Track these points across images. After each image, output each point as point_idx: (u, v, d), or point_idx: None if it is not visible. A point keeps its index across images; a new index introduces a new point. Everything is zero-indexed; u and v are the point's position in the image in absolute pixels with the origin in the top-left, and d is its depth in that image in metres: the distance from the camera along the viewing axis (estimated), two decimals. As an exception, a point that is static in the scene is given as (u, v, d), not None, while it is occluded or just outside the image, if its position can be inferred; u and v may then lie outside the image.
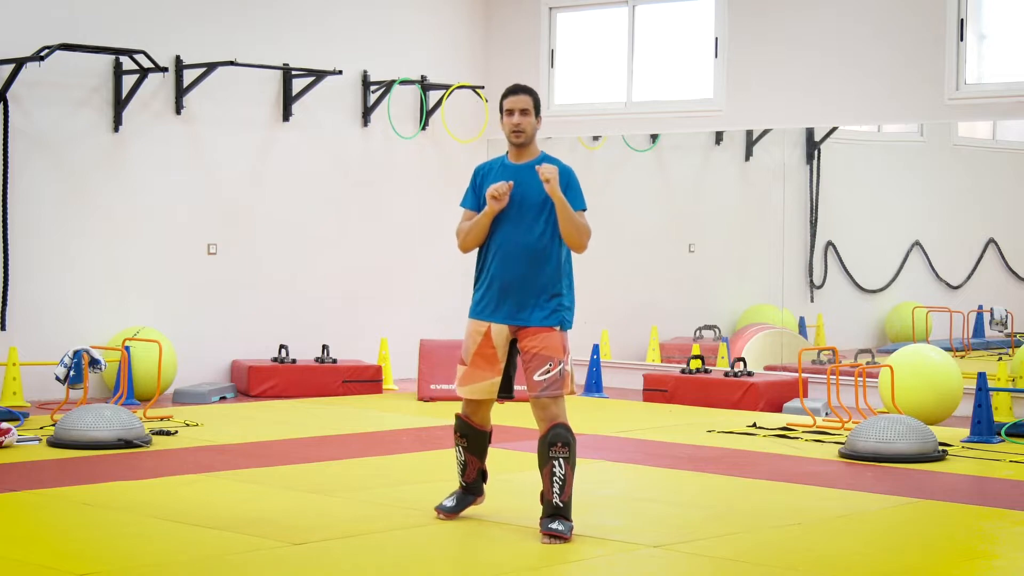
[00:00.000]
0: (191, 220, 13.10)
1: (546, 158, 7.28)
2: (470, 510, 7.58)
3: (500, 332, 7.22)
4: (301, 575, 6.43)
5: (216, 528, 7.21)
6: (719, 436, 10.68)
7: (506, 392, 7.32)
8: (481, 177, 7.35)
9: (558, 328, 7.17)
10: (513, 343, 7.24)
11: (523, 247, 7.17)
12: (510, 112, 7.22)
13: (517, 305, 7.17)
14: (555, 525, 7.01)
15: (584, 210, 7.24)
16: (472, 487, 7.55)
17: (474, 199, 7.34)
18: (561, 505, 7.04)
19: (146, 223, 12.82)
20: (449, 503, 7.54)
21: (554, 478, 7.04)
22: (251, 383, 12.90)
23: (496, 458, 8.74)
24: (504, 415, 9.36)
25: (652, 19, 14.35)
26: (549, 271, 7.19)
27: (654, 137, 14.94)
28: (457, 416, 7.51)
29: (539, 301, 7.17)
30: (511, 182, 7.16)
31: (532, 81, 14.79)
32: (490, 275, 7.23)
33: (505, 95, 7.27)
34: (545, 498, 7.10)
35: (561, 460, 7.04)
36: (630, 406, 12.69)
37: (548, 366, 7.09)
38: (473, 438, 7.46)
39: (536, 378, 7.09)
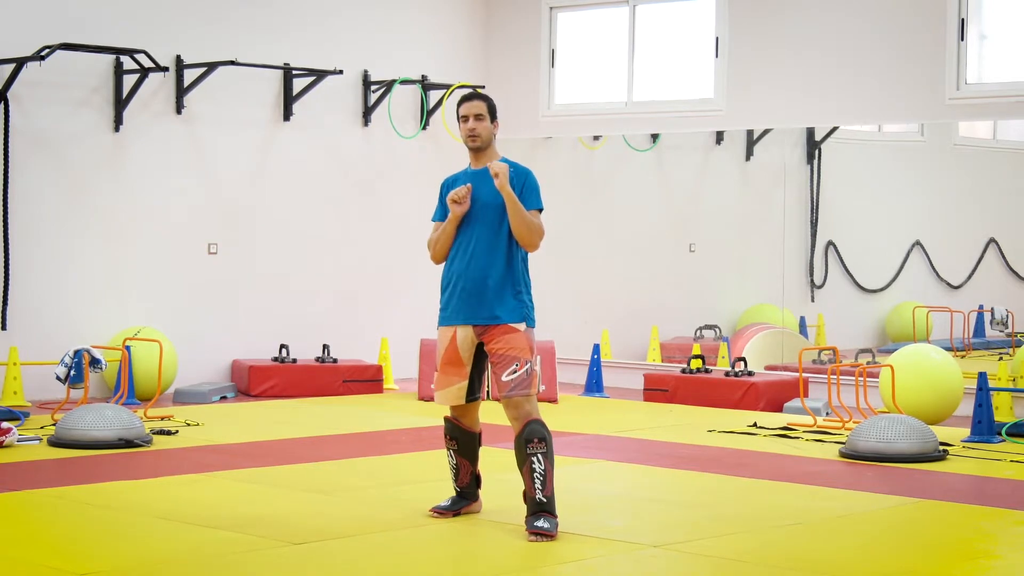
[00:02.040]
0: (191, 220, 13.10)
1: (504, 162, 7.39)
2: (468, 513, 7.60)
3: (465, 336, 7.33)
4: (301, 575, 6.44)
5: (216, 528, 7.21)
6: (719, 436, 10.68)
7: (473, 395, 7.42)
8: (447, 189, 7.51)
9: (523, 325, 7.26)
10: (480, 347, 7.32)
11: (483, 248, 7.29)
12: (465, 118, 7.39)
13: (479, 305, 7.28)
14: (540, 523, 7.04)
15: (540, 210, 7.35)
16: (466, 492, 7.59)
17: (442, 212, 7.49)
18: (545, 500, 7.07)
19: (146, 223, 12.82)
20: (444, 503, 7.60)
21: (534, 474, 7.08)
22: (251, 383, 12.90)
23: (493, 458, 8.76)
24: (499, 415, 9.36)
25: (652, 19, 14.34)
26: (509, 271, 7.30)
27: (654, 137, 14.94)
28: (446, 419, 7.57)
29: (501, 300, 7.27)
30: (469, 184, 7.33)
31: (532, 81, 14.82)
32: (453, 277, 7.38)
33: (460, 101, 7.46)
34: (528, 496, 7.14)
35: (539, 455, 7.08)
36: (630, 406, 12.69)
37: (515, 366, 7.18)
38: (463, 440, 7.52)
39: (504, 378, 7.17)
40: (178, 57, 12.86)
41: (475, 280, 7.28)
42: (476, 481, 7.60)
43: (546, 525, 7.03)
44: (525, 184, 7.31)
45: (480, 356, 7.38)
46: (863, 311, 14.59)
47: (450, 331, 7.38)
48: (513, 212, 7.22)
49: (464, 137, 7.41)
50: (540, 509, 7.08)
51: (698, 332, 14.73)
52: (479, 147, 7.40)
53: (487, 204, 7.31)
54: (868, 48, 12.85)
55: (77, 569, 6.37)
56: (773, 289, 14.35)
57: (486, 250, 7.28)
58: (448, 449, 7.57)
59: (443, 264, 7.54)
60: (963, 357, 13.74)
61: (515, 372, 7.17)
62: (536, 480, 7.08)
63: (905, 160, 14.72)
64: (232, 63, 12.72)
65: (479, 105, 7.38)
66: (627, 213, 15.35)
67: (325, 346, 13.39)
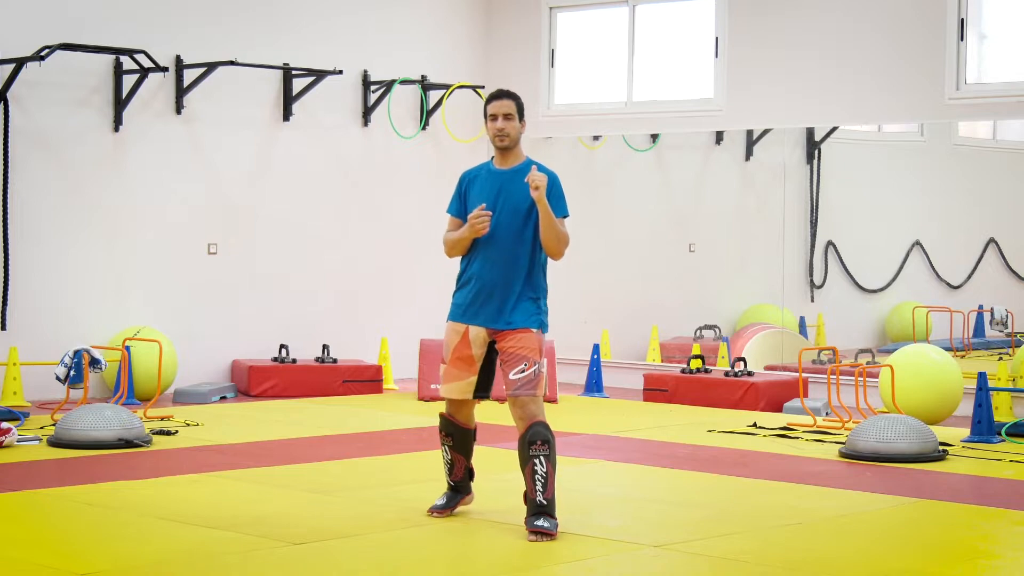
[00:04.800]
0: (191, 220, 13.10)
1: (531, 163, 7.36)
2: (464, 508, 7.65)
3: (478, 335, 7.33)
4: (301, 575, 6.44)
5: (216, 528, 7.21)
6: (719, 436, 10.68)
7: (482, 391, 7.43)
8: (467, 184, 7.46)
9: (536, 330, 7.26)
10: (491, 345, 7.34)
11: (506, 252, 7.27)
12: (494, 117, 7.33)
13: (497, 309, 7.28)
14: (540, 522, 7.05)
15: (566, 217, 7.33)
16: (460, 486, 7.63)
17: (459, 206, 7.45)
18: (545, 503, 7.09)
19: (146, 223, 12.82)
20: (440, 502, 7.62)
21: (536, 476, 7.09)
22: (251, 383, 12.90)
23: (492, 458, 8.77)
24: (497, 415, 9.36)
25: (652, 19, 14.34)
26: (530, 276, 7.30)
27: (654, 137, 14.94)
28: (441, 415, 7.60)
29: (518, 305, 7.27)
30: (484, 207, 7.23)
31: (532, 81, 14.82)
32: (472, 278, 7.35)
33: (489, 100, 7.39)
34: (529, 497, 7.15)
35: (542, 458, 7.09)
36: (630, 406, 12.69)
37: (524, 365, 7.18)
38: (458, 437, 7.54)
39: (512, 376, 7.19)
40: (178, 57, 12.86)
41: (495, 284, 7.27)
42: (470, 474, 7.64)
43: (546, 524, 7.04)
44: (552, 191, 7.24)
45: (490, 354, 7.38)
46: (863, 311, 14.59)
47: (462, 327, 7.35)
48: (546, 223, 7.19)
49: (492, 136, 7.34)
50: (540, 511, 7.09)
51: (698, 332, 14.73)
52: (507, 147, 7.35)
53: (513, 209, 7.27)
54: (868, 48, 12.85)
55: (77, 569, 6.37)
56: (773, 289, 14.35)
57: (509, 255, 7.26)
58: (443, 445, 7.59)
59: (458, 258, 7.48)
60: (963, 357, 13.75)
61: (523, 371, 7.17)
62: (537, 482, 7.09)
63: (905, 160, 14.73)
64: (232, 63, 12.72)
65: (508, 104, 7.32)
66: (627, 213, 15.35)
67: (325, 346, 13.39)
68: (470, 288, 7.34)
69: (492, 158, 7.47)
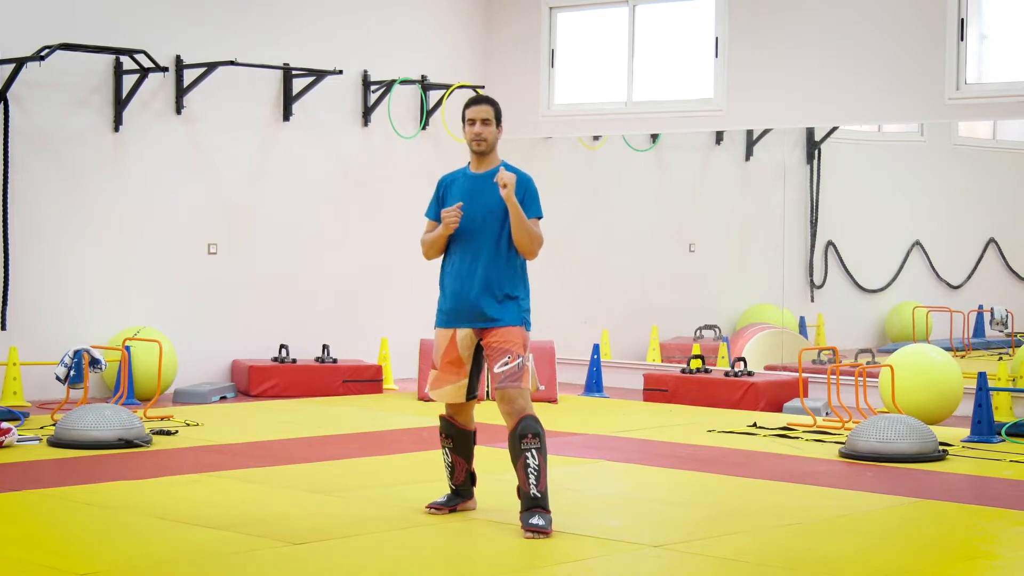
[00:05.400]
0: (191, 220, 13.10)
1: (506, 167, 7.48)
2: (464, 511, 7.66)
3: (464, 337, 7.41)
4: (301, 575, 6.44)
5: (216, 528, 7.22)
6: (719, 436, 10.68)
7: (472, 393, 7.52)
8: (444, 188, 7.61)
9: (519, 326, 7.36)
10: (478, 345, 7.42)
11: (483, 253, 7.37)
12: (472, 122, 7.47)
13: (478, 309, 7.37)
14: (535, 520, 7.08)
15: (539, 218, 7.44)
16: (461, 490, 7.66)
17: (436, 209, 7.58)
18: (539, 495, 7.13)
19: (146, 223, 12.82)
20: (440, 500, 7.68)
21: (528, 469, 7.14)
22: (251, 383, 12.90)
23: (491, 458, 8.76)
24: (497, 415, 9.37)
25: (652, 19, 14.34)
26: (509, 276, 7.38)
27: (654, 137, 14.94)
28: (441, 417, 7.66)
29: (500, 304, 7.36)
30: (460, 206, 7.36)
31: (532, 81, 14.82)
32: (452, 280, 7.46)
33: (468, 104, 7.53)
34: (522, 491, 7.19)
35: (533, 451, 7.15)
36: (630, 406, 12.69)
37: (507, 358, 7.27)
38: (458, 438, 7.60)
39: (496, 369, 7.28)
40: (178, 57, 12.86)
41: (475, 285, 7.36)
42: (471, 479, 7.68)
43: (541, 522, 7.07)
44: (526, 192, 7.38)
45: (479, 354, 7.45)
46: (863, 311, 14.59)
47: (449, 332, 7.45)
48: (516, 222, 7.29)
49: (469, 140, 7.47)
50: (534, 505, 7.13)
51: (698, 332, 14.73)
52: (484, 151, 7.47)
53: (489, 210, 7.38)
54: (868, 48, 12.85)
55: (77, 569, 6.38)
56: (773, 289, 14.35)
57: (487, 255, 7.36)
58: (443, 447, 7.64)
59: (438, 260, 7.59)
60: (963, 357, 13.74)
61: (507, 364, 7.25)
62: (530, 476, 7.13)
63: (905, 160, 14.72)
64: (232, 63, 12.73)
65: (487, 110, 7.44)
66: (627, 213, 15.35)
67: (325, 346, 13.39)
68: (451, 291, 7.45)
69: (468, 163, 7.56)
